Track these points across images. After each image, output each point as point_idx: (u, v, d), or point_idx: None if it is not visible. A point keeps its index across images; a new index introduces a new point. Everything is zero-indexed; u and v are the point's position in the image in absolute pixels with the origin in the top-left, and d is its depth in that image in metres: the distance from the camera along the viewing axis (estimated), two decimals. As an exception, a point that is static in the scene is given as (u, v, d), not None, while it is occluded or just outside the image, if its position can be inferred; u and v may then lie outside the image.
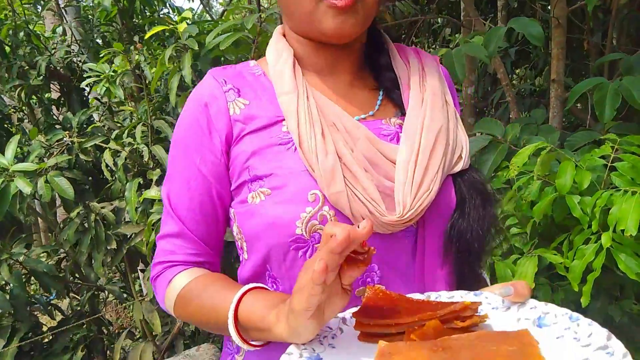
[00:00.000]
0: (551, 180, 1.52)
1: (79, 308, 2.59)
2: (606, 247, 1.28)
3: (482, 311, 0.59)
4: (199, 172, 0.72)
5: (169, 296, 0.73)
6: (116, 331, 2.91)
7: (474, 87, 3.22)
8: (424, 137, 0.68)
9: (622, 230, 1.21)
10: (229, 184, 0.73)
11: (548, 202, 1.44)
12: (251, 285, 0.66)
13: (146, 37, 1.96)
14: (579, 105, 3.15)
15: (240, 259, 0.76)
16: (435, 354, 0.49)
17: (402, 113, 0.74)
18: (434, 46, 5.12)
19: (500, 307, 0.60)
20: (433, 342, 0.51)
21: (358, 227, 0.49)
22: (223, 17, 2.24)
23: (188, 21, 2.06)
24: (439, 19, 5.24)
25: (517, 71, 4.39)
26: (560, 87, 2.51)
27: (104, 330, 2.58)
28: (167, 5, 3.40)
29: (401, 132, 0.70)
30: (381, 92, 0.76)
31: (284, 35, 0.77)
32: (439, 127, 0.70)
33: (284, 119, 0.70)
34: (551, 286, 1.53)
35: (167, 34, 2.27)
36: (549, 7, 2.55)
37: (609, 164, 1.49)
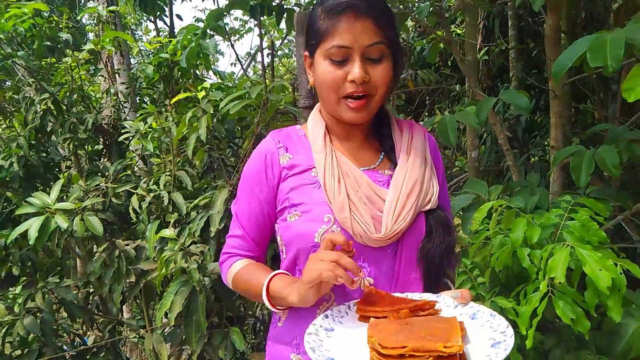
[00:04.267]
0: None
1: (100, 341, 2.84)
2: (549, 295, 1.43)
3: (438, 306, 0.91)
4: (257, 198, 1.09)
5: (229, 275, 1.11)
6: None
7: (477, 150, 3.42)
8: (404, 185, 1.01)
9: (553, 278, 1.37)
10: (275, 207, 1.09)
11: (505, 254, 1.61)
12: (277, 271, 1.03)
13: (172, 101, 2.33)
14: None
15: (280, 257, 1.11)
16: (401, 326, 0.81)
17: (394, 167, 1.07)
18: (451, 110, 5.40)
19: (451, 305, 0.92)
20: (401, 320, 0.84)
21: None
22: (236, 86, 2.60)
23: (213, 89, 2.43)
24: (457, 86, 5.56)
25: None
26: (560, 154, 2.64)
27: (120, 361, 2.80)
28: (211, 69, 3.86)
29: (391, 181, 1.04)
30: (382, 153, 1.11)
31: (320, 111, 1.14)
32: (415, 179, 1.03)
33: (313, 168, 1.06)
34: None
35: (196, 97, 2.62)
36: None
37: (563, 222, 1.66)
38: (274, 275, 1.01)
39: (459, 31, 4.87)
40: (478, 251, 1.85)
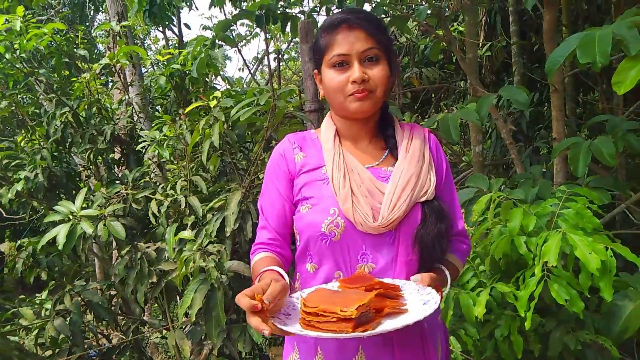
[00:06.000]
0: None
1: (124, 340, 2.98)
2: (545, 279, 1.53)
3: (404, 291, 1.03)
4: (278, 192, 1.23)
5: (252, 263, 1.23)
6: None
7: (481, 145, 3.50)
8: (401, 179, 1.14)
9: (548, 263, 1.46)
10: (293, 199, 1.22)
11: (504, 242, 1.71)
12: (267, 268, 1.12)
13: (186, 111, 2.46)
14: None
15: (296, 245, 1.24)
16: (329, 293, 0.97)
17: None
18: (456, 107, 5.47)
19: (414, 293, 1.03)
20: (335, 290, 1.00)
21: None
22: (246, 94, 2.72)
23: (224, 97, 2.55)
24: (461, 83, 5.64)
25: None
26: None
27: (144, 359, 2.94)
28: (220, 75, 4.00)
29: (390, 175, 1.16)
30: (387, 151, 1.24)
31: (332, 117, 1.28)
32: (411, 174, 1.15)
33: (323, 166, 1.19)
34: (512, 316, 1.77)
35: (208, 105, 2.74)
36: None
37: (559, 211, 1.75)
38: (264, 272, 1.12)
39: (461, 28, 4.94)
40: (479, 241, 1.95)
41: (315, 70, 1.24)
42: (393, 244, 1.13)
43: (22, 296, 3.59)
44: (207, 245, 2.16)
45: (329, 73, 1.16)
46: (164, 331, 2.90)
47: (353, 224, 1.11)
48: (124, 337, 3.07)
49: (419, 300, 0.99)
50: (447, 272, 1.18)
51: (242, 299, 0.90)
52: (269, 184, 1.25)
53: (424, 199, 1.15)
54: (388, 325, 0.90)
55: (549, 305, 1.83)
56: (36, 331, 2.65)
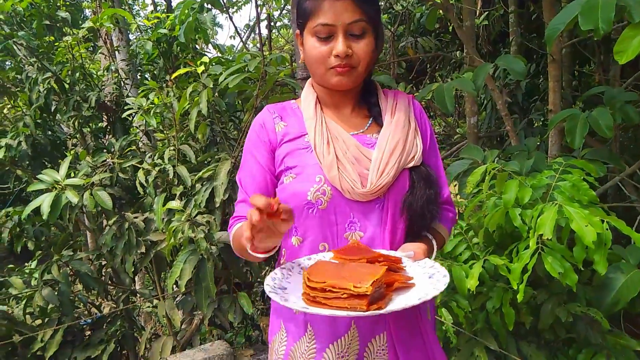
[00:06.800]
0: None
1: (115, 309, 2.96)
2: (539, 252, 1.51)
3: (405, 264, 0.99)
4: (258, 164, 1.17)
5: (230, 238, 1.17)
6: (149, 328, 3.26)
7: (476, 116, 3.45)
8: (388, 144, 1.10)
9: (542, 236, 1.44)
10: (275, 171, 1.16)
11: (498, 215, 1.68)
12: None
13: (173, 77, 2.37)
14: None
15: None
16: (333, 267, 0.90)
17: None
18: (451, 77, 5.39)
19: (421, 265, 1.00)
20: (338, 263, 0.93)
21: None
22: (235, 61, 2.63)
23: (213, 63, 2.46)
24: (457, 53, 5.53)
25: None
26: (557, 117, 2.66)
27: (135, 328, 2.93)
28: (211, 43, 3.87)
29: (376, 142, 1.12)
30: (371, 119, 1.18)
31: (312, 85, 1.22)
32: (397, 139, 1.11)
33: (305, 134, 1.14)
34: (504, 288, 1.76)
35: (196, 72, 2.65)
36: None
37: (555, 183, 1.72)
38: None
39: (458, -4, 4.81)
40: (473, 213, 1.92)
41: (298, 32, 1.17)
42: (382, 210, 1.09)
43: (11, 265, 3.56)
44: (196, 215, 2.11)
45: (312, 41, 1.10)
46: (155, 301, 2.88)
47: (340, 191, 1.07)
48: (115, 307, 3.06)
49: (423, 273, 0.95)
50: (434, 242, 1.15)
51: (257, 197, 0.84)
52: (249, 156, 1.19)
53: (411, 164, 1.11)
54: (401, 301, 0.85)
55: (541, 277, 1.82)
56: (25, 300, 2.62)
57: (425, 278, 0.93)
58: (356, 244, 1.02)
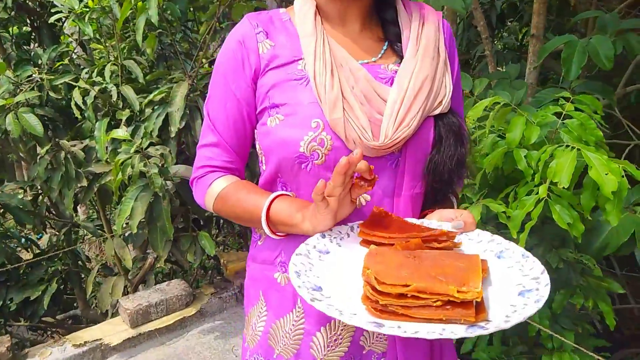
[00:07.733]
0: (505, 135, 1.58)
1: (56, 243, 2.67)
2: (545, 199, 1.36)
3: (459, 239, 0.75)
4: (233, 96, 0.88)
5: (209, 196, 0.91)
6: (96, 267, 3.01)
7: (457, 39, 3.20)
8: (412, 82, 0.82)
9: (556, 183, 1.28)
10: (256, 107, 0.88)
11: (499, 155, 1.51)
12: (278, 192, 0.85)
13: (112, -27, 1.92)
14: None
15: (260, 170, 0.93)
16: (407, 259, 0.64)
17: (401, 61, 0.86)
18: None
19: (475, 239, 0.76)
20: (408, 252, 0.67)
21: (353, 153, 0.68)
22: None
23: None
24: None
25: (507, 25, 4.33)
26: (539, 43, 2.48)
27: (81, 265, 2.67)
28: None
29: (395, 77, 0.83)
30: (386, 43, 0.89)
31: None
32: (425, 76, 0.82)
33: (300, 59, 0.85)
34: (497, 234, 1.63)
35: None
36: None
37: (561, 121, 1.54)
38: (276, 197, 0.83)
39: None
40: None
41: None
42: (395, 171, 0.84)
43: None
44: (147, 147, 1.80)
45: None
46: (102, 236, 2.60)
47: (344, 141, 0.80)
48: (57, 235, 2.76)
49: (483, 250, 0.73)
50: (454, 203, 0.93)
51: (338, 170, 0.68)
52: (222, 84, 0.90)
53: (437, 111, 0.84)
54: (498, 312, 0.60)
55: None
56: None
57: (492, 255, 0.71)
58: (383, 212, 0.76)
